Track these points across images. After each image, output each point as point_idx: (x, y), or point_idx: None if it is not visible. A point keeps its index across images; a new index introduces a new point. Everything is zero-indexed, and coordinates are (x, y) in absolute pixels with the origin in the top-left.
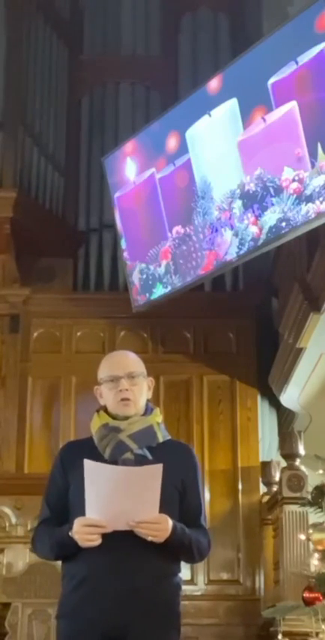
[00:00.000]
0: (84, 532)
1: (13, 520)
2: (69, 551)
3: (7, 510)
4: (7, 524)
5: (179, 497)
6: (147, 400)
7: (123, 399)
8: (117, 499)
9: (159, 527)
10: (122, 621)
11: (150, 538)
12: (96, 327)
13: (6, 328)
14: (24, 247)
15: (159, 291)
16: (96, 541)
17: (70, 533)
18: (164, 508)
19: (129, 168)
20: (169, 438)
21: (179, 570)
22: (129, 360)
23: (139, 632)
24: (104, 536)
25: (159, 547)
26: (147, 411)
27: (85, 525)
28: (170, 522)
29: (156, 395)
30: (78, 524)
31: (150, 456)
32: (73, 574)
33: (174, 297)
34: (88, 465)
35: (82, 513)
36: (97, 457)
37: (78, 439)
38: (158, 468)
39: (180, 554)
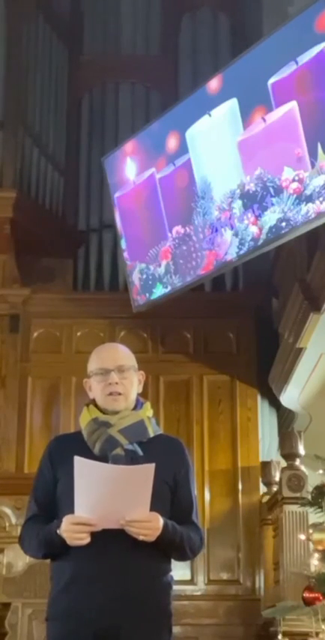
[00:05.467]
0: (72, 530)
1: (13, 520)
2: (57, 549)
3: (7, 510)
4: (7, 524)
5: (170, 493)
6: (138, 394)
7: (112, 393)
8: (108, 497)
9: (150, 525)
10: (113, 622)
11: (141, 537)
12: (96, 327)
13: (6, 328)
14: (24, 247)
15: (159, 291)
16: (85, 540)
17: (58, 531)
18: (154, 505)
19: (129, 168)
20: (160, 432)
21: (170, 569)
22: (118, 353)
23: (130, 633)
24: (93, 535)
25: (149, 546)
26: (138, 405)
27: (74, 523)
28: (161, 520)
29: (156, 395)
30: (66, 522)
31: (140, 452)
32: (61, 574)
33: (174, 297)
34: (78, 462)
35: (70, 510)
36: (86, 452)
37: (67, 433)
38: (150, 467)
39: (171, 552)
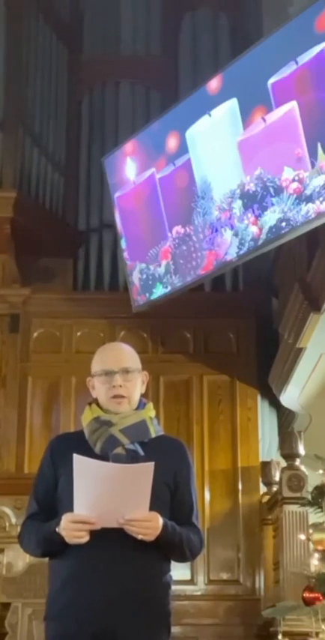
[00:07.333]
0: (71, 528)
1: (13, 520)
2: (56, 547)
3: (7, 510)
4: (7, 524)
5: (170, 494)
6: (141, 395)
7: (115, 396)
8: (107, 496)
9: (150, 524)
10: (111, 622)
11: (140, 536)
12: (96, 327)
13: (6, 328)
14: (24, 247)
15: (159, 291)
16: (84, 538)
17: (57, 529)
18: (154, 505)
19: (129, 168)
20: (162, 433)
21: (169, 569)
22: (124, 355)
23: (129, 632)
24: (92, 533)
25: (148, 545)
26: (140, 405)
27: (73, 521)
28: (160, 520)
29: (156, 395)
30: (65, 520)
31: (141, 451)
32: (59, 572)
33: (174, 297)
34: (78, 460)
35: (71, 509)
36: (88, 451)
37: (68, 432)
38: (149, 466)
39: (170, 552)
